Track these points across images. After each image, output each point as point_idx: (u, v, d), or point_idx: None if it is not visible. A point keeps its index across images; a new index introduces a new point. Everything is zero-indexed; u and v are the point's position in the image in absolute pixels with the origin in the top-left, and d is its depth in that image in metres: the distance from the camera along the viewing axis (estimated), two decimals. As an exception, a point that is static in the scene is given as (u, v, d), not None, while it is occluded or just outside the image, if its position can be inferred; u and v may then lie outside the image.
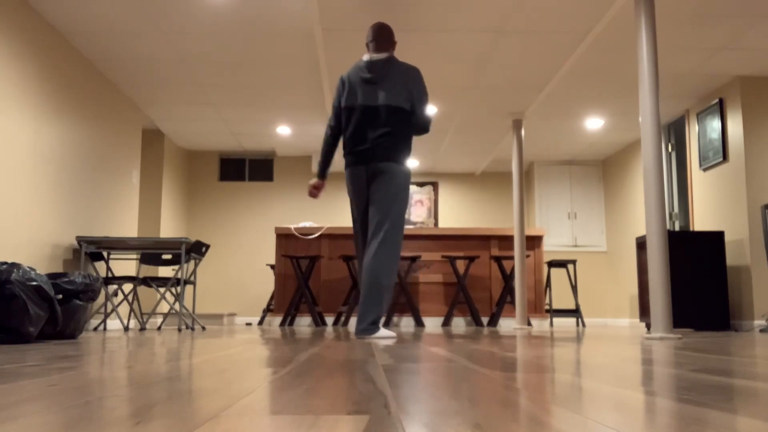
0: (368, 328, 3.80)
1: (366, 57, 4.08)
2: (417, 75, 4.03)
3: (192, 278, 6.58)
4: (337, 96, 4.14)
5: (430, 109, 7.65)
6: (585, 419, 0.82)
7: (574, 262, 7.91)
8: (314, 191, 4.29)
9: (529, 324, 7.19)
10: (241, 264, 9.96)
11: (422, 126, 4.04)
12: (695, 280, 6.55)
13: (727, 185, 6.73)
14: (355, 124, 4.00)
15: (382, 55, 4.05)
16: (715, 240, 6.59)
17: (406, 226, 9.13)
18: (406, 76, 4.00)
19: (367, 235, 4.04)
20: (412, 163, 10.01)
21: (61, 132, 5.75)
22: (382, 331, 3.82)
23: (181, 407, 0.92)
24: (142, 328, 6.05)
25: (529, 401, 0.99)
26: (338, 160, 10.10)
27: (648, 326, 6.75)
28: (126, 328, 6.05)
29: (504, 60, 6.15)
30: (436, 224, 10.42)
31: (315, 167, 9.96)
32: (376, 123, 3.94)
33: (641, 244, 7.11)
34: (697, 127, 7.25)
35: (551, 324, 8.09)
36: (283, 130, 8.74)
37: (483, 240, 7.56)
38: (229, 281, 9.94)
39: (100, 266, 6.47)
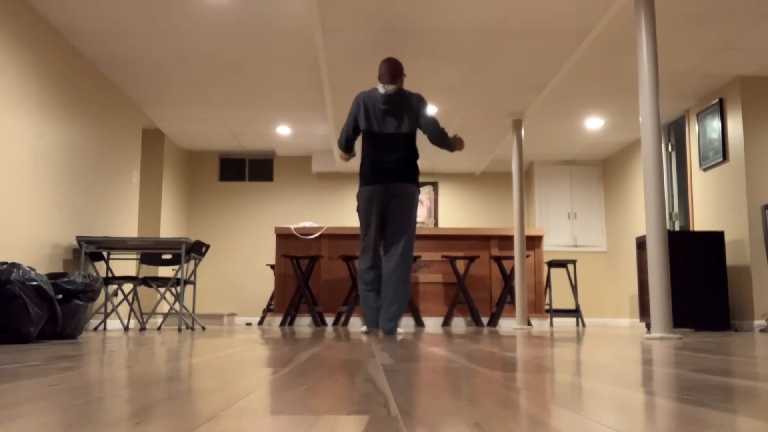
0: (396, 326, 4.52)
1: (381, 89, 4.66)
2: (423, 100, 4.69)
3: (192, 278, 6.58)
4: (354, 114, 4.69)
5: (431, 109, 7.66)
6: (585, 419, 0.82)
7: (574, 262, 7.91)
8: (346, 156, 4.86)
9: (529, 324, 7.19)
10: (241, 264, 9.96)
11: (440, 136, 4.67)
12: (695, 280, 6.55)
13: (727, 185, 6.73)
14: (374, 149, 4.61)
15: (394, 88, 4.65)
16: (715, 240, 6.59)
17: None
18: (414, 102, 4.65)
19: (378, 241, 4.66)
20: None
21: (62, 132, 5.75)
22: (400, 329, 4.65)
23: (181, 407, 0.92)
24: (142, 328, 6.05)
25: (529, 401, 0.99)
26: (339, 162, 10.10)
27: (648, 326, 6.75)
28: (126, 328, 6.05)
29: (504, 60, 6.15)
30: (436, 224, 10.42)
31: (317, 167, 9.96)
32: (392, 148, 4.57)
33: (641, 244, 7.11)
34: (697, 127, 7.25)
35: (551, 324, 8.09)
36: (283, 130, 8.74)
37: (483, 240, 7.56)
38: (229, 281, 9.94)
39: (100, 266, 6.47)
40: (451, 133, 8.54)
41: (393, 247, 4.58)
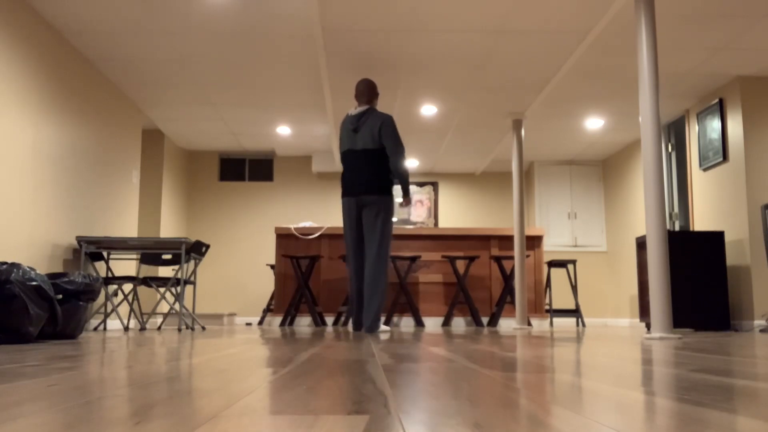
0: (376, 324, 4.93)
1: (352, 112, 5.14)
2: (388, 122, 5.05)
3: (192, 278, 6.58)
4: (339, 141, 5.27)
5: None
6: (585, 419, 0.82)
7: (574, 262, 7.91)
8: None
9: (529, 324, 7.19)
10: (241, 264, 9.96)
11: (398, 174, 5.03)
12: (695, 280, 6.55)
13: (727, 185, 6.73)
14: (345, 165, 5.12)
15: (363, 108, 5.12)
16: (715, 240, 6.59)
17: (407, 226, 9.15)
18: (379, 123, 5.04)
19: (356, 248, 5.09)
20: (412, 163, 10.03)
21: (61, 132, 5.75)
22: (383, 327, 5.01)
23: (181, 407, 0.92)
24: (142, 328, 6.05)
25: (529, 401, 0.99)
26: (336, 165, 10.10)
27: (648, 326, 6.75)
28: (126, 328, 6.05)
29: (504, 60, 6.15)
30: (436, 224, 10.42)
31: (317, 167, 9.98)
32: (359, 163, 5.03)
33: (641, 244, 7.11)
34: (697, 127, 7.25)
35: (551, 324, 8.09)
36: (283, 130, 8.74)
37: (483, 240, 7.56)
38: (229, 281, 9.94)
39: (100, 266, 6.47)
40: (451, 133, 8.55)
41: (368, 251, 5.06)
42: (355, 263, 5.10)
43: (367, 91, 5.21)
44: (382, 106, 7.49)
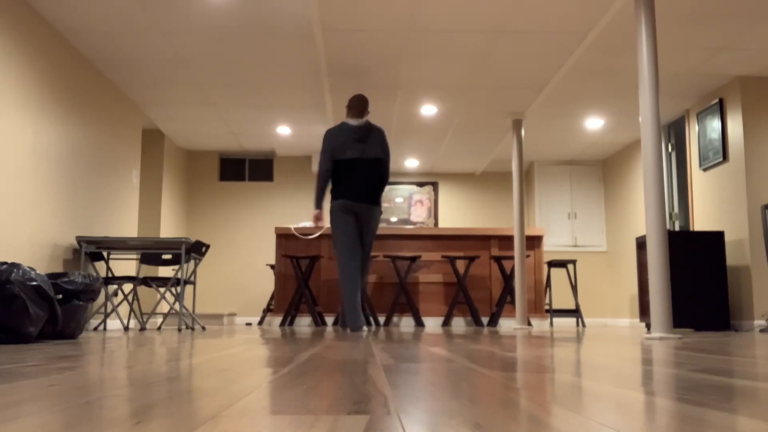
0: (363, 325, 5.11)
1: (352, 122, 5.29)
2: (384, 134, 5.39)
3: (192, 278, 6.58)
4: (328, 149, 5.28)
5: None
6: (585, 419, 0.82)
7: (574, 262, 7.91)
8: (318, 220, 5.43)
9: (529, 324, 7.19)
10: (241, 264, 9.96)
11: (386, 179, 5.35)
12: (695, 280, 6.55)
13: (727, 185, 6.73)
14: (347, 172, 5.23)
15: (363, 121, 5.30)
16: (715, 240, 6.59)
17: (406, 226, 9.16)
18: (379, 136, 5.32)
19: (356, 248, 5.24)
20: (412, 163, 10.05)
21: (61, 132, 5.75)
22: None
23: (181, 407, 0.92)
24: (142, 328, 6.05)
25: (529, 401, 0.99)
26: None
27: (648, 326, 6.75)
28: (126, 328, 6.05)
29: (504, 60, 6.15)
30: (436, 224, 10.42)
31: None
32: (366, 172, 5.22)
33: (641, 244, 7.11)
34: (697, 127, 7.25)
35: (551, 324, 8.09)
36: (283, 130, 8.74)
37: (483, 240, 7.56)
38: (229, 281, 9.94)
39: (100, 266, 6.47)
40: (451, 133, 8.56)
41: (364, 251, 5.35)
42: (355, 263, 5.28)
43: (362, 106, 5.39)
44: (382, 106, 7.50)
